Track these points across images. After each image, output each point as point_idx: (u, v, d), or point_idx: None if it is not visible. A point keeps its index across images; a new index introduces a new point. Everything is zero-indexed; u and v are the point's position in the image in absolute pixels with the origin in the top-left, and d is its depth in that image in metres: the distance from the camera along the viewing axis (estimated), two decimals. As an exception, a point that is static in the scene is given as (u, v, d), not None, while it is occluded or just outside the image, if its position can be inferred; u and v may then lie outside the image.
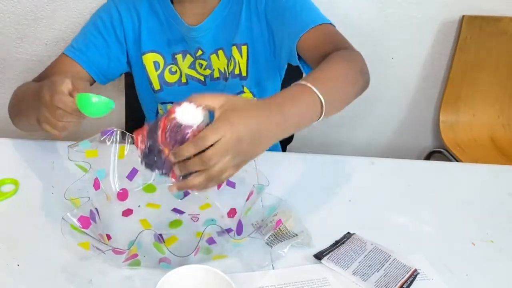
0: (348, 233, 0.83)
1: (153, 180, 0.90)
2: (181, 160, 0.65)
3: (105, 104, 0.74)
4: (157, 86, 1.09)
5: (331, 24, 0.96)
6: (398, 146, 1.59)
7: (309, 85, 0.73)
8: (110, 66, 1.05)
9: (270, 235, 0.78)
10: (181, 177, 0.67)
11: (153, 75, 1.08)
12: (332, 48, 0.88)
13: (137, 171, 0.89)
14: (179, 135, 0.65)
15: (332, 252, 0.77)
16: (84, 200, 0.73)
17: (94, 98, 0.73)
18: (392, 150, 1.59)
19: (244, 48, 1.05)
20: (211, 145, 0.63)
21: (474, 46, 1.42)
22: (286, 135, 0.72)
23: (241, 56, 1.05)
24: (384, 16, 1.41)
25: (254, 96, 1.11)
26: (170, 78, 1.09)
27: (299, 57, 0.95)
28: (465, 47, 1.42)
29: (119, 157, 0.87)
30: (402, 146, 1.59)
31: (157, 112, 1.15)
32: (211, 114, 0.68)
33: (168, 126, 0.65)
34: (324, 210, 0.89)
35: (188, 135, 0.65)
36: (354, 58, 0.88)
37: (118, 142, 0.87)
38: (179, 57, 1.07)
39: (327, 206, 0.91)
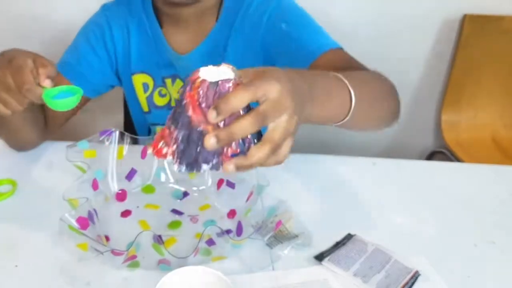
0: (349, 234, 0.82)
1: (152, 180, 0.90)
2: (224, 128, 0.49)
3: (71, 99, 0.70)
4: (145, 108, 1.07)
5: (341, 48, 0.89)
6: (399, 146, 1.58)
7: (344, 79, 0.64)
8: (101, 81, 1.03)
9: (270, 236, 0.77)
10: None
11: (142, 97, 1.06)
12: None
13: (136, 171, 0.88)
14: (220, 95, 0.48)
15: (332, 254, 0.76)
16: (82, 201, 0.73)
17: (61, 97, 0.70)
18: (393, 150, 1.58)
19: None
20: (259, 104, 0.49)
21: (475, 45, 1.42)
22: (311, 115, 0.58)
23: None
24: (384, 16, 1.40)
25: None
26: (160, 101, 1.06)
27: None
28: (467, 46, 1.41)
29: (117, 157, 0.86)
30: (403, 146, 1.59)
31: (149, 131, 1.12)
32: None
33: (200, 93, 0.48)
34: (324, 211, 0.88)
35: (230, 89, 0.49)
36: (391, 86, 0.80)
37: (116, 142, 0.86)
38: (168, 81, 1.04)
39: (327, 206, 0.90)
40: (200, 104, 0.49)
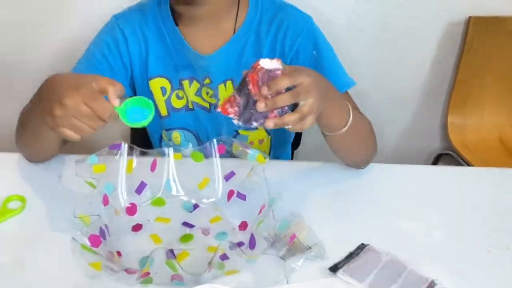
0: (362, 244, 0.81)
1: (162, 193, 0.89)
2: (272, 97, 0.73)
3: (148, 116, 0.74)
4: (164, 112, 1.06)
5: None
6: (405, 149, 1.57)
7: (349, 107, 0.86)
8: None
9: (284, 249, 0.76)
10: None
11: (160, 101, 1.05)
12: None
13: (146, 185, 0.88)
14: (271, 78, 0.73)
15: (347, 265, 0.76)
16: (93, 218, 0.72)
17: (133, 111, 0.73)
18: (399, 153, 1.57)
19: None
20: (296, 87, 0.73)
21: (481, 47, 1.40)
22: (324, 108, 0.80)
23: None
24: (388, 19, 1.39)
25: (267, 133, 1.11)
26: (177, 104, 1.06)
27: None
28: (472, 48, 1.41)
29: (127, 171, 0.86)
30: (409, 149, 1.58)
31: (161, 138, 1.12)
32: None
33: (259, 75, 0.73)
34: (336, 220, 0.88)
35: (279, 75, 0.73)
36: (374, 138, 1.00)
37: (126, 156, 0.85)
38: (185, 83, 1.03)
39: (339, 216, 0.89)
40: (257, 82, 0.74)
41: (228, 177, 0.90)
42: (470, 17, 1.39)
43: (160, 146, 1.14)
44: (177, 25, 1.00)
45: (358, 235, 0.84)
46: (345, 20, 1.37)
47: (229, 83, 1.02)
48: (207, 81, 1.02)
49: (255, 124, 0.76)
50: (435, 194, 0.97)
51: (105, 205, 0.80)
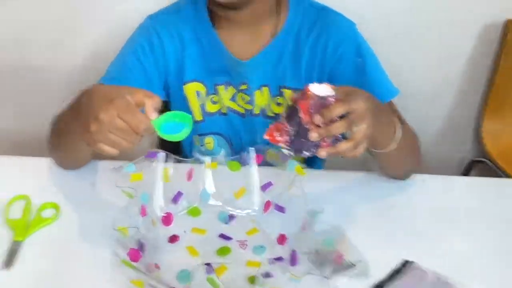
0: (406, 261, 0.78)
1: (198, 203, 0.87)
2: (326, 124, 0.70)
3: (185, 131, 0.71)
4: (198, 117, 1.03)
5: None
6: (435, 154, 1.52)
7: (397, 125, 0.84)
8: None
9: (329, 268, 0.74)
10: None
11: (195, 106, 1.02)
12: None
13: (182, 194, 0.86)
14: (323, 105, 0.69)
15: (392, 284, 0.73)
16: (132, 231, 0.70)
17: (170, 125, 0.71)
18: (428, 158, 1.52)
19: None
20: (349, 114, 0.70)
21: (520, 51, 1.36)
22: (375, 128, 0.76)
23: None
24: (422, 21, 1.35)
25: None
26: (212, 108, 1.03)
27: None
28: (510, 51, 1.36)
29: (163, 180, 0.84)
30: (439, 155, 1.53)
31: (192, 144, 1.10)
32: None
33: (311, 103, 0.70)
34: (377, 235, 0.85)
35: (332, 102, 0.70)
36: (419, 150, 0.97)
37: (162, 164, 0.84)
38: (221, 88, 1.01)
39: (379, 229, 0.86)
40: (309, 110, 0.70)
41: (265, 187, 0.88)
42: (508, 20, 1.34)
43: (191, 151, 1.11)
44: (214, 27, 0.97)
45: (401, 251, 0.81)
46: (375, 23, 1.33)
47: (265, 89, 1.00)
48: (243, 86, 1.00)
49: (306, 153, 0.72)
50: (484, 208, 0.92)
51: (143, 216, 0.78)
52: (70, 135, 0.82)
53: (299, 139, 0.71)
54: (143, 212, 0.78)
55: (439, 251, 0.82)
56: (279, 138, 0.73)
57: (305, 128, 0.70)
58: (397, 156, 0.87)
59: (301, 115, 0.70)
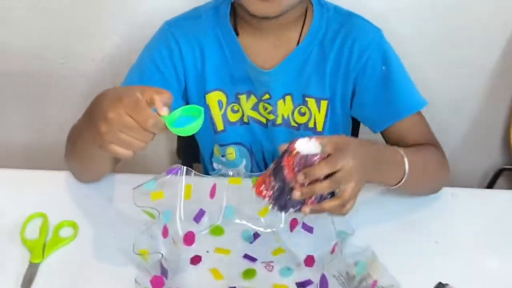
0: (440, 283, 0.74)
1: (220, 221, 0.83)
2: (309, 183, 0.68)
3: (197, 122, 0.67)
4: (220, 127, 0.99)
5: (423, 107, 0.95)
6: (461, 161, 1.48)
7: (404, 156, 0.80)
8: None
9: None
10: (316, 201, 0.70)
11: (217, 115, 0.98)
12: (422, 141, 0.92)
13: (205, 212, 0.83)
14: (307, 164, 0.68)
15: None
16: (154, 257, 0.67)
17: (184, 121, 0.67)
18: (454, 166, 1.48)
19: (324, 103, 0.95)
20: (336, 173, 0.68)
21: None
22: (373, 179, 0.78)
23: (319, 110, 0.96)
24: (448, 26, 1.30)
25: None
26: (233, 117, 0.99)
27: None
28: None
29: (185, 197, 0.80)
30: (466, 162, 1.49)
31: (212, 154, 1.06)
32: None
33: (295, 161, 0.67)
34: (407, 254, 0.80)
35: (317, 161, 0.68)
36: (444, 164, 0.93)
37: (184, 181, 0.80)
38: (242, 97, 0.97)
39: (409, 249, 0.82)
40: (294, 168, 0.68)
41: None
42: (541, 23, 1.29)
43: (211, 162, 1.08)
44: (237, 34, 0.93)
45: (434, 272, 0.77)
46: (402, 26, 1.29)
47: (288, 98, 0.96)
48: (266, 96, 0.96)
49: (291, 210, 0.70)
50: None
51: (164, 237, 0.75)
52: (85, 143, 0.79)
53: (284, 196, 0.69)
54: (165, 233, 0.75)
55: (474, 271, 0.78)
56: (265, 193, 0.70)
57: (290, 186, 0.68)
58: (411, 184, 0.83)
59: (285, 173, 0.68)
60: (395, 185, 0.81)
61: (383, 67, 0.92)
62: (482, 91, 1.40)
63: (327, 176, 0.67)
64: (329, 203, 0.69)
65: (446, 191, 0.93)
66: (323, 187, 0.67)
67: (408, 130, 0.93)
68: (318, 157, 0.67)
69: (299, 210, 0.70)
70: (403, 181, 0.80)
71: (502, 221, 0.88)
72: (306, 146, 0.68)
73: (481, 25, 1.30)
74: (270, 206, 0.70)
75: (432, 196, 0.92)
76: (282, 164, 0.68)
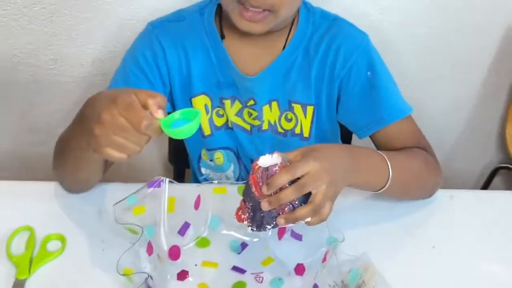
0: (439, 289, 0.73)
1: (206, 233, 0.81)
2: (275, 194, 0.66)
3: (193, 124, 0.65)
4: (207, 131, 0.97)
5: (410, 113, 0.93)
6: (457, 161, 1.47)
7: (386, 158, 0.78)
8: None
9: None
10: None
11: (204, 120, 0.96)
12: (412, 145, 0.90)
13: (189, 224, 0.80)
14: (270, 176, 0.67)
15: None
16: (140, 276, 0.66)
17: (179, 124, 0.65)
18: (450, 165, 1.46)
19: (310, 108, 0.94)
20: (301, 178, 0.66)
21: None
22: (353, 183, 0.76)
23: (305, 116, 0.94)
24: (443, 22, 1.28)
25: None
26: (218, 122, 0.97)
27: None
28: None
29: (168, 210, 0.78)
30: (462, 162, 1.48)
31: (200, 158, 1.04)
32: None
33: (258, 177, 0.67)
34: (404, 260, 0.79)
35: (277, 170, 0.67)
36: (435, 170, 0.90)
37: (166, 193, 0.78)
38: (227, 102, 0.95)
39: (406, 254, 0.80)
40: (259, 183, 0.67)
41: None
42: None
43: (199, 167, 1.07)
44: (222, 37, 0.91)
45: (433, 279, 0.75)
46: (396, 23, 1.27)
47: (274, 104, 0.94)
48: (250, 102, 0.94)
49: (268, 227, 0.69)
50: None
51: (149, 254, 0.72)
52: (76, 148, 0.77)
53: (258, 214, 0.69)
54: (150, 250, 0.72)
55: (475, 279, 0.76)
56: (243, 217, 0.70)
57: (259, 200, 0.68)
58: (399, 190, 0.82)
59: (253, 190, 0.67)
60: (379, 190, 0.79)
61: (368, 73, 0.90)
62: (477, 90, 1.39)
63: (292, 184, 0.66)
64: (301, 210, 0.67)
65: (445, 193, 0.91)
66: (288, 194, 0.66)
67: (395, 135, 0.91)
68: (278, 167, 0.67)
69: (276, 225, 0.69)
70: (387, 185, 0.78)
71: (502, 222, 0.87)
72: (267, 160, 0.68)
73: (475, 24, 1.28)
74: (249, 229, 0.70)
75: (431, 199, 0.90)
76: (249, 183, 0.68)
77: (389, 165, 0.78)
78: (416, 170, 0.86)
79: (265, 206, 0.67)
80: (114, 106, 0.62)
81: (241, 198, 0.71)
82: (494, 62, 1.34)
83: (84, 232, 0.82)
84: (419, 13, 1.26)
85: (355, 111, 0.92)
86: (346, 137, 1.09)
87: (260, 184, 0.67)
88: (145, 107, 0.63)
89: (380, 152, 0.80)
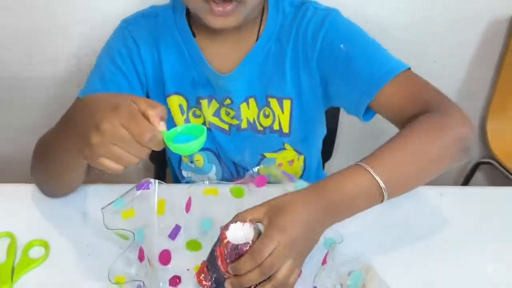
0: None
1: (198, 235, 0.78)
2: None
3: (198, 142, 0.62)
4: None
5: (409, 69, 0.81)
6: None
7: (367, 167, 0.66)
8: None
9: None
10: None
11: (179, 120, 0.93)
12: (420, 108, 0.75)
13: (180, 227, 0.78)
14: (239, 254, 0.63)
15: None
16: (132, 284, 0.63)
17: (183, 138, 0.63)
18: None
19: (287, 102, 0.90)
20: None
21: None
22: (339, 221, 0.67)
23: (282, 111, 0.91)
24: (424, 17, 1.28)
25: (299, 152, 0.98)
26: (195, 122, 0.94)
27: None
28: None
29: (158, 213, 0.75)
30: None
31: (180, 161, 1.01)
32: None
33: (225, 252, 0.63)
34: (399, 259, 0.77)
35: (247, 250, 0.63)
36: (445, 125, 0.72)
37: (156, 196, 0.74)
38: (204, 102, 0.92)
39: (401, 253, 0.79)
40: (225, 259, 0.64)
41: None
42: (514, 15, 1.29)
43: (180, 171, 1.04)
44: (194, 35, 0.88)
45: (428, 279, 0.74)
46: (376, 17, 1.26)
47: (251, 101, 0.91)
48: (227, 101, 0.91)
49: None
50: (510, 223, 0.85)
51: (141, 261, 0.68)
52: (61, 155, 0.73)
53: (221, 285, 0.65)
54: (141, 257, 0.68)
55: (471, 277, 0.75)
56: (204, 283, 0.67)
57: (225, 276, 0.64)
58: (411, 181, 0.71)
59: (219, 263, 0.64)
60: (382, 201, 0.68)
61: (341, 46, 0.83)
62: (458, 85, 1.40)
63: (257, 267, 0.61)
64: (266, 286, 0.62)
65: (434, 191, 0.90)
66: (252, 278, 0.61)
67: (391, 100, 0.79)
68: (247, 248, 0.62)
69: None
70: (386, 195, 0.67)
71: (493, 220, 0.86)
72: (238, 233, 0.63)
73: (456, 20, 1.29)
74: None
75: (419, 196, 0.88)
76: (215, 254, 0.64)
77: (373, 174, 0.66)
78: (417, 150, 0.70)
79: (227, 287, 0.64)
80: (115, 115, 0.59)
81: (221, 226, 0.66)
82: (476, 58, 1.35)
83: (68, 237, 0.79)
84: (400, 9, 1.26)
85: (344, 90, 0.85)
86: (332, 124, 1.06)
87: (227, 261, 0.63)
88: (144, 116, 0.60)
89: (361, 164, 0.67)
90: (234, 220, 0.65)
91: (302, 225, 0.62)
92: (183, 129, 0.64)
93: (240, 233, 0.64)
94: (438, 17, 1.29)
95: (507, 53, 1.32)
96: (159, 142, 0.61)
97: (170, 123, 0.93)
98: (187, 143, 0.62)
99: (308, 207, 0.64)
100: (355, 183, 0.66)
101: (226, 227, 0.64)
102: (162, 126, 0.61)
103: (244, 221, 0.64)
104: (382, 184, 0.66)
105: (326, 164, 1.27)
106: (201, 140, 0.62)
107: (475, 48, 1.34)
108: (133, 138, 0.59)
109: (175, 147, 0.61)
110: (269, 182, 0.80)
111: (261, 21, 0.88)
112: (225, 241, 0.63)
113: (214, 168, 1.01)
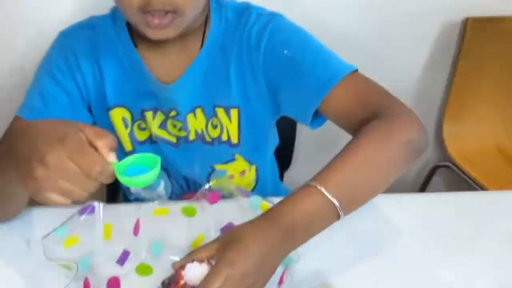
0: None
1: (148, 259, 0.74)
2: None
3: (151, 174, 0.59)
4: (128, 147, 0.90)
5: (356, 71, 0.79)
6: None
7: (320, 187, 0.64)
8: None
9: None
10: None
11: (123, 134, 0.89)
12: (369, 111, 0.73)
13: (129, 252, 0.73)
14: None
15: None
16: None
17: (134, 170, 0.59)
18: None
19: (234, 111, 0.87)
20: None
21: (478, 50, 1.30)
22: (296, 247, 0.65)
23: (230, 120, 0.88)
24: (378, 21, 1.28)
25: (250, 163, 0.95)
26: (141, 136, 0.90)
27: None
28: (469, 51, 1.30)
29: (104, 238, 0.72)
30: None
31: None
32: None
33: None
34: (357, 273, 0.75)
35: None
36: (394, 129, 0.71)
37: (101, 220, 0.70)
38: (148, 114, 0.88)
39: (359, 267, 0.76)
40: None
41: (225, 229, 0.76)
42: (467, 18, 1.29)
43: (128, 188, 0.98)
44: (135, 46, 0.85)
45: None
46: (330, 21, 1.25)
47: (198, 111, 0.88)
48: (173, 113, 0.87)
49: None
50: (469, 229, 0.84)
51: None
52: (2, 182, 0.68)
53: None
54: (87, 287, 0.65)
55: (433, 284, 0.74)
56: None
57: None
58: (366, 193, 0.69)
59: None
60: (340, 217, 0.66)
61: (285, 51, 0.81)
62: (413, 88, 1.40)
63: None
64: None
65: (391, 199, 0.86)
66: None
67: (338, 105, 0.77)
68: None
69: None
70: (342, 212, 0.65)
71: (450, 227, 0.84)
72: (194, 273, 0.61)
73: (409, 23, 1.29)
74: None
75: (376, 204, 0.85)
76: None
77: (326, 194, 0.64)
78: (369, 159, 0.69)
79: None
80: (61, 147, 0.55)
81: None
82: (430, 61, 1.36)
83: (10, 268, 0.73)
84: (354, 13, 1.25)
85: (291, 97, 0.82)
86: (290, 134, 1.03)
87: None
88: (92, 146, 0.56)
89: (313, 183, 0.65)
90: (190, 259, 0.63)
91: (252, 257, 0.60)
92: (135, 160, 0.60)
93: (196, 273, 0.62)
94: (390, 22, 1.29)
95: (460, 56, 1.33)
96: (110, 175, 0.57)
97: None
98: (139, 176, 0.58)
99: (260, 237, 0.61)
100: (308, 206, 0.64)
101: (182, 267, 0.62)
102: (112, 157, 0.57)
103: (200, 260, 0.62)
104: (337, 204, 0.64)
105: (286, 174, 1.24)
106: (155, 171, 0.59)
107: (428, 52, 1.35)
108: (81, 171, 0.55)
109: (126, 180, 0.57)
110: (222, 197, 0.78)
111: (204, 29, 0.85)
112: (182, 282, 0.61)
113: (162, 183, 0.97)
